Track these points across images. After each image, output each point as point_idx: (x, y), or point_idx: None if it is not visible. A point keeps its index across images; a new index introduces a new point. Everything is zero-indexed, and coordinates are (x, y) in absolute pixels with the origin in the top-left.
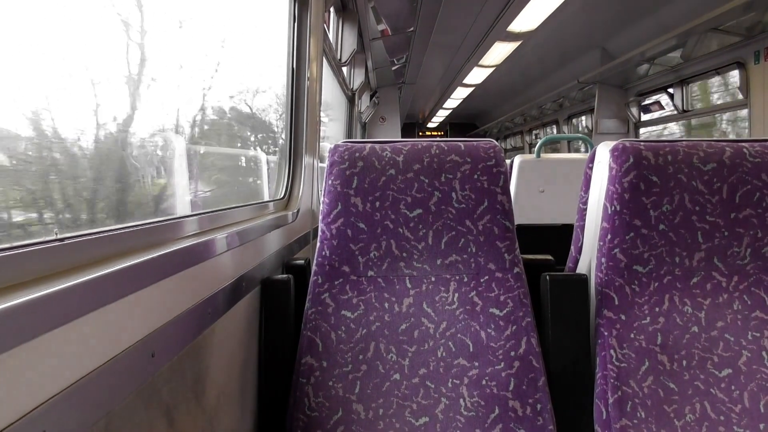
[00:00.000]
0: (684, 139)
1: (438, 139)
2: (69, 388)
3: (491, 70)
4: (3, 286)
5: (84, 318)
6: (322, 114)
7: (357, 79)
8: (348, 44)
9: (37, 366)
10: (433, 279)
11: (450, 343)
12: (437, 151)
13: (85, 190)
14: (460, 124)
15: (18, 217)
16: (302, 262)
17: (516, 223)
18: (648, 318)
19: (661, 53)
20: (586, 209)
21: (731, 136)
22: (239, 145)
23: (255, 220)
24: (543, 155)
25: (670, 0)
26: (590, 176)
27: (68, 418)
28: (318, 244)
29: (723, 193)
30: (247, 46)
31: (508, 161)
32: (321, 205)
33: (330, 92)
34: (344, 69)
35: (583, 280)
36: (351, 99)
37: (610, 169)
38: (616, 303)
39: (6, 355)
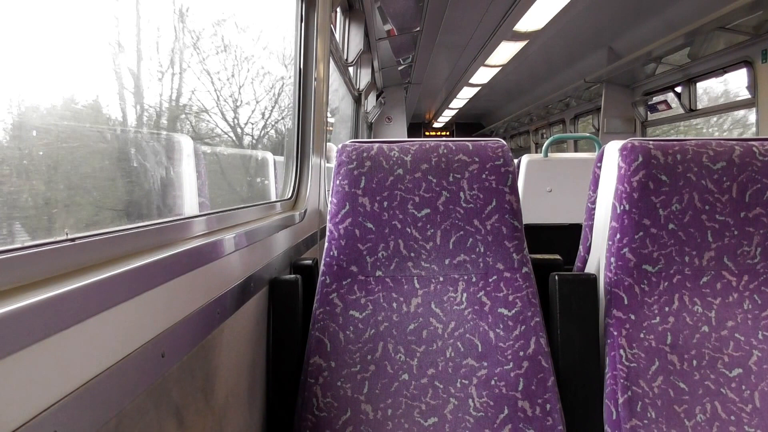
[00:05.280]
0: (693, 138)
1: (446, 138)
2: (80, 388)
3: (497, 69)
4: (14, 286)
5: (95, 318)
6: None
7: (363, 79)
8: (354, 44)
9: (49, 366)
10: (441, 279)
11: (458, 343)
12: (445, 151)
13: None
14: (466, 123)
15: None
16: (310, 262)
17: (524, 222)
18: (658, 318)
19: (668, 52)
20: (594, 209)
21: None
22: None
23: (263, 220)
24: (550, 155)
25: None
26: (599, 175)
27: (79, 418)
28: (326, 244)
29: (733, 192)
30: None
31: (515, 161)
32: (329, 205)
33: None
34: (351, 69)
35: (592, 279)
36: (357, 99)
37: (619, 168)
38: (626, 302)
39: (18, 356)
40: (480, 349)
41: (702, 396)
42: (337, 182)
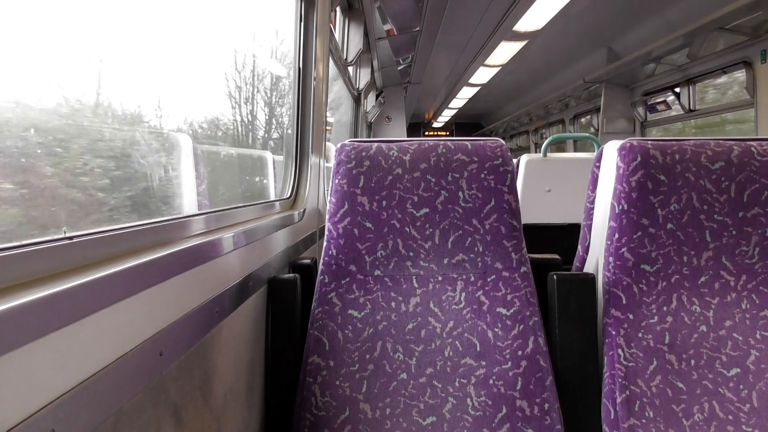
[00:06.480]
0: (692, 137)
1: (445, 138)
2: (78, 387)
3: (497, 69)
4: (13, 284)
5: (93, 316)
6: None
7: (363, 79)
8: (354, 44)
9: (46, 364)
10: (439, 278)
11: (457, 342)
12: (444, 150)
13: None
14: (465, 123)
15: None
16: (309, 261)
17: (522, 222)
18: (656, 317)
19: (668, 53)
20: (593, 208)
21: None
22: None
23: (261, 219)
24: (549, 154)
25: None
26: (597, 175)
27: (77, 416)
28: (324, 243)
29: (731, 192)
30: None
31: (514, 161)
32: (328, 205)
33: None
34: (350, 69)
35: (591, 279)
36: (357, 99)
37: (618, 168)
38: (624, 302)
39: (15, 353)
40: (478, 349)
41: (700, 395)
42: (336, 181)
